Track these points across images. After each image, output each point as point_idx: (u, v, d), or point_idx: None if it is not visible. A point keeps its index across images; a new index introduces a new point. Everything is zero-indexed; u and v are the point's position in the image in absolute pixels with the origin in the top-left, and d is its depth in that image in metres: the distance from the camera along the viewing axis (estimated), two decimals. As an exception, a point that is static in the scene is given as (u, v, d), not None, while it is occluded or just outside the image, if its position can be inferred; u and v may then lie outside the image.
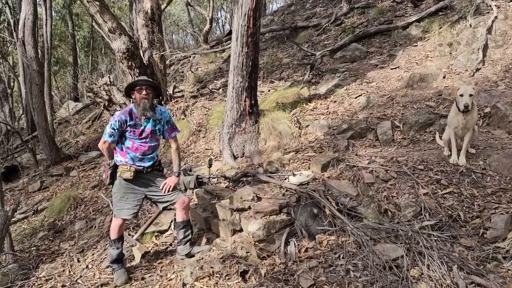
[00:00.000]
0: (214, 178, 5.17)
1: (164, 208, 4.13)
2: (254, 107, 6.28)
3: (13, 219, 6.23)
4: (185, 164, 6.64)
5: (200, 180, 5.15)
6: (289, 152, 5.69)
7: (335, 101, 6.85)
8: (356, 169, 4.71)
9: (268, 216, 4.06)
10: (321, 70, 8.52)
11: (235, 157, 6.19)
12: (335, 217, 4.11)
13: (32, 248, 5.08)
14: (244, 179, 4.98)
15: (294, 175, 4.66)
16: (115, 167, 3.94)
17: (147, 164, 3.99)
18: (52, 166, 8.25)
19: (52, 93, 20.21)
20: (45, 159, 8.48)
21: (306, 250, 3.92)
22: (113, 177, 3.95)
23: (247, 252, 4.04)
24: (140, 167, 3.95)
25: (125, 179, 3.90)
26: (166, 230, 4.75)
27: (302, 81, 8.10)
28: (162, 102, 8.12)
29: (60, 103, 16.65)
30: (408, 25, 9.43)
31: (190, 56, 13.20)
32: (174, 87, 9.63)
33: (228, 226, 4.25)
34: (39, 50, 7.88)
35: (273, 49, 11.62)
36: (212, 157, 5.44)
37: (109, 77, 8.12)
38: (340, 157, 5.01)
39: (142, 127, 3.90)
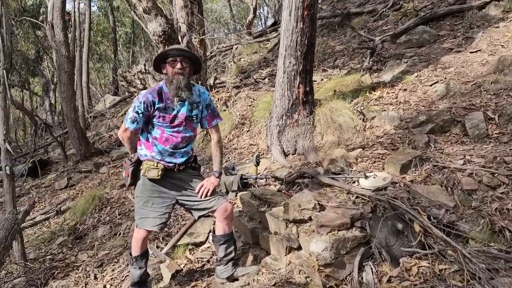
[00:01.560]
0: (262, 178, 4.21)
1: (200, 217, 3.20)
2: (309, 95, 5.26)
3: (33, 220, 5.55)
4: (226, 161, 5.72)
5: (245, 181, 4.21)
6: (353, 148, 4.63)
7: (404, 89, 5.71)
8: (448, 171, 3.60)
9: (336, 232, 3.05)
10: (383, 56, 7.37)
11: (285, 154, 5.20)
12: (427, 235, 3.04)
13: (47, 257, 4.32)
14: (300, 180, 3.98)
15: (366, 177, 3.61)
16: (138, 163, 3.05)
17: (180, 160, 3.08)
18: (82, 161, 7.59)
19: (94, 88, 20.04)
20: (75, 154, 7.84)
21: (389, 280, 2.88)
22: (135, 176, 3.06)
23: (307, 278, 3.06)
24: (170, 164, 3.04)
25: (151, 179, 3.00)
26: (203, 243, 3.83)
27: (361, 69, 6.99)
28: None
29: (101, 99, 16.30)
30: (484, 5, 8.08)
31: (232, 48, 12.36)
32: (215, 78, 8.79)
33: (282, 242, 3.27)
34: (69, 34, 7.23)
35: (323, 37, 10.54)
36: (259, 154, 4.49)
37: (144, 64, 7.36)
38: (423, 156, 3.91)
39: (174, 112, 2.99)
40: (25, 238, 5.17)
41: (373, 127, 5.12)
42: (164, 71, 3.03)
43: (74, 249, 4.45)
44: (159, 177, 2.97)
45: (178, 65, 2.95)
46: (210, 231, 3.87)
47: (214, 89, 7.59)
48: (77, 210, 5.15)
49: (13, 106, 10.96)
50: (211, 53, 12.33)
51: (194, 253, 3.73)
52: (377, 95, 5.64)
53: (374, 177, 3.59)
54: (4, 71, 4.53)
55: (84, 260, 3.99)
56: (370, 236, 3.11)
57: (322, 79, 7.26)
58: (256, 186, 4.29)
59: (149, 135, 3.02)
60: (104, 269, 3.73)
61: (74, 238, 4.69)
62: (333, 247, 2.94)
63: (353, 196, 3.52)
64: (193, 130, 3.15)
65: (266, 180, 4.22)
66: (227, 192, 4.33)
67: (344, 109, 5.25)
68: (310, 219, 3.26)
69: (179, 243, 3.81)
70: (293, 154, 5.23)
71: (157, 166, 2.98)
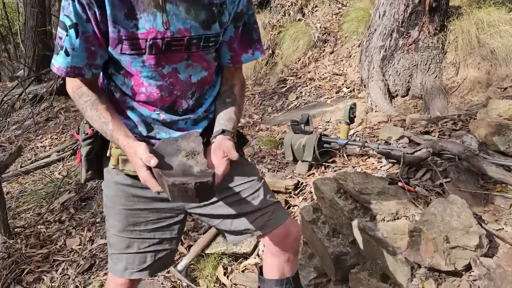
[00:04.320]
0: (358, 146, 2.45)
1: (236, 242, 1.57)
2: (441, -2, 3.16)
3: (45, 160, 4.34)
4: (297, 98, 3.93)
5: (326, 146, 2.51)
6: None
7: None
8: None
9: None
10: None
11: (391, 96, 3.31)
12: None
13: (38, 227, 3.06)
14: (432, 160, 2.14)
15: None
16: (101, 139, 1.39)
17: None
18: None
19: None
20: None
21: None
22: (97, 164, 1.42)
23: None
24: None
25: (131, 176, 1.35)
26: (248, 255, 2.23)
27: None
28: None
29: None
30: None
31: None
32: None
33: (400, 305, 1.58)
34: None
35: None
36: (354, 103, 2.61)
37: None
38: None
39: (158, 26, 1.14)
40: (31, 185, 4.00)
41: (552, 57, 2.98)
42: None
43: (74, 218, 3.13)
44: None
45: None
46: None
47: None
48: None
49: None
50: None
51: (232, 273, 2.18)
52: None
53: None
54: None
55: (72, 251, 2.63)
56: None
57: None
58: (344, 154, 2.53)
59: (113, 85, 1.31)
60: (92, 277, 2.35)
61: (80, 199, 3.38)
62: None
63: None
64: (209, 66, 1.34)
65: (362, 147, 2.43)
66: (295, 161, 2.64)
67: (501, 23, 3.11)
68: (468, 269, 1.51)
69: (208, 250, 2.27)
70: (403, 97, 3.32)
71: None
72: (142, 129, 1.31)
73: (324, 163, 2.53)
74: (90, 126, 1.40)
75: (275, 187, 2.39)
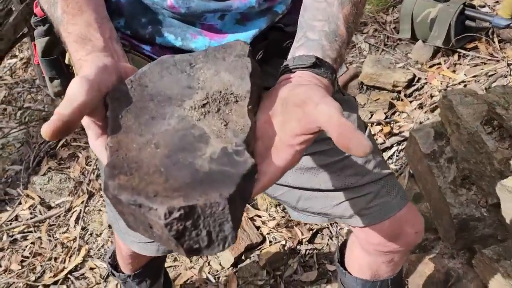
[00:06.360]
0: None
1: (301, 219, 0.97)
2: None
3: None
4: None
5: (468, 25, 1.62)
6: None
7: None
8: None
9: None
10: None
11: None
12: None
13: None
14: None
15: None
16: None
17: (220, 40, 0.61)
18: None
19: None
20: None
21: None
22: (63, 71, 0.77)
23: None
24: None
25: None
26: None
27: None
28: None
29: None
30: None
31: None
32: None
33: None
34: None
35: None
36: None
37: None
38: None
39: None
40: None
41: None
42: None
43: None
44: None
45: None
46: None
47: None
48: None
49: None
50: None
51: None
52: None
53: None
54: None
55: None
56: None
57: None
58: (493, 41, 1.63)
59: None
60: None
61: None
62: None
63: None
64: None
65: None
66: (413, 39, 1.78)
67: None
68: None
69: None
70: None
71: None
72: (131, 28, 0.61)
73: (460, 50, 1.66)
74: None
75: (378, 82, 1.63)
